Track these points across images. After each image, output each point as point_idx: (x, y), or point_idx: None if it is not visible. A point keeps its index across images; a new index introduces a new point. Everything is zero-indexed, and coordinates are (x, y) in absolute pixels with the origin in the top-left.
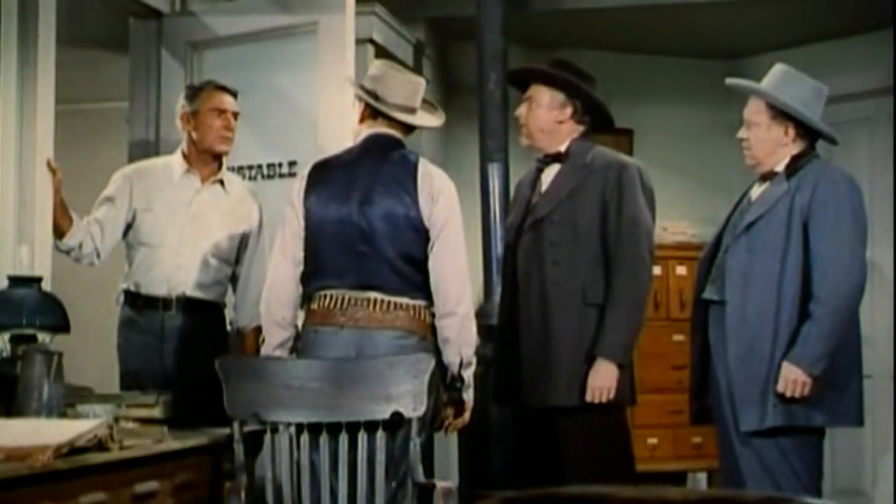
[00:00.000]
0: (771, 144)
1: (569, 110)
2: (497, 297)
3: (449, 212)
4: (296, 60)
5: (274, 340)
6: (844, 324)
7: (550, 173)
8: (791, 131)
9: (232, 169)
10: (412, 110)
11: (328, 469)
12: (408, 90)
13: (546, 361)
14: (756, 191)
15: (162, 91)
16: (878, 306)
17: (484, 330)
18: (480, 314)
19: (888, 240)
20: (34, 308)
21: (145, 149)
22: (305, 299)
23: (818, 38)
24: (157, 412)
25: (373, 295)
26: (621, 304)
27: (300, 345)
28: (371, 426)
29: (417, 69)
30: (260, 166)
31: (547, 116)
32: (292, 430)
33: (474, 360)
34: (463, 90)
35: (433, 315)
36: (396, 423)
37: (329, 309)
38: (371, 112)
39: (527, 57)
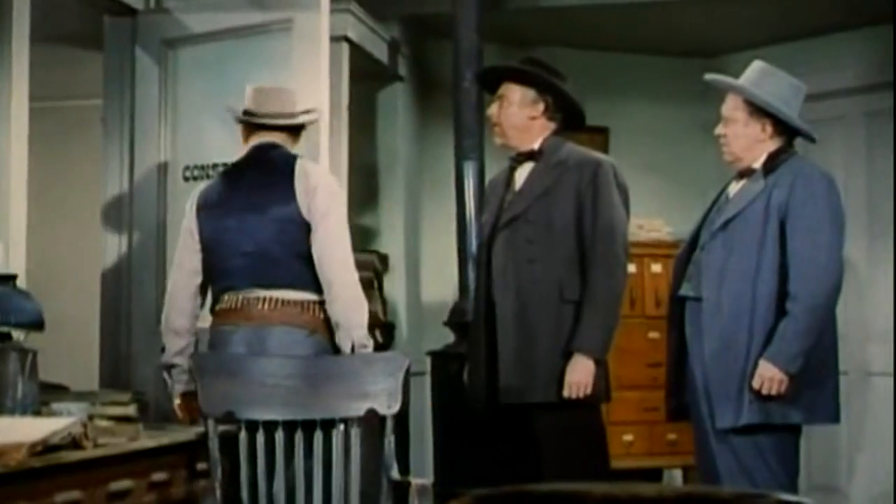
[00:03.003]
0: (748, 141)
1: (541, 106)
2: (473, 296)
3: (328, 202)
4: (270, 58)
5: (173, 348)
6: (821, 322)
7: (524, 172)
8: (769, 128)
9: (205, 167)
10: (292, 115)
11: (303, 466)
12: (281, 99)
13: (523, 359)
14: (734, 188)
15: (136, 88)
16: (850, 303)
17: (461, 328)
18: (456, 312)
19: (861, 237)
20: (9, 306)
21: (119, 146)
22: (213, 302)
23: (793, 37)
24: (131, 410)
25: (264, 294)
26: (597, 300)
27: (208, 344)
28: (346, 423)
29: (392, 67)
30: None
31: (519, 114)
32: (269, 427)
33: (368, 343)
34: (438, 88)
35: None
36: (371, 420)
37: (228, 310)
38: (250, 127)
39: (502, 55)
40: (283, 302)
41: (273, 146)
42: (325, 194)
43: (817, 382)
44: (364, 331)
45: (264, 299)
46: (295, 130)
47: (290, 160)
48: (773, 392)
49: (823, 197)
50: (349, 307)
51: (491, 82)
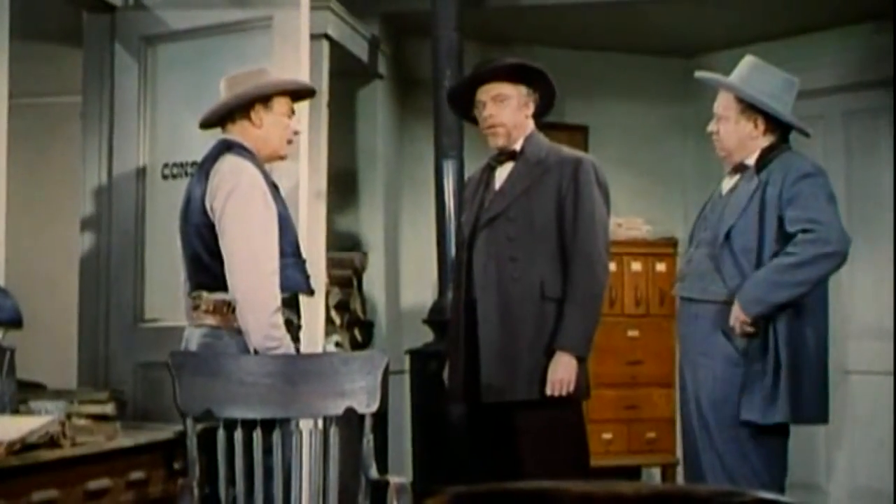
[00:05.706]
0: (740, 138)
1: (532, 104)
2: (452, 294)
3: (226, 199)
4: (250, 55)
5: None
6: (806, 284)
7: (504, 171)
8: (761, 124)
9: (184, 164)
10: (225, 104)
11: (281, 465)
12: (231, 89)
13: (505, 357)
14: (727, 183)
15: (115, 85)
16: (830, 302)
17: (440, 326)
18: (435, 310)
19: None
20: None
21: (98, 143)
22: None
23: (772, 37)
24: (109, 409)
25: (195, 294)
26: (579, 297)
27: None
28: (325, 422)
29: (372, 65)
30: None
31: (519, 113)
32: (247, 425)
33: (273, 344)
34: (418, 86)
35: None
36: (350, 419)
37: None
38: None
39: (482, 53)
40: (214, 303)
41: (222, 142)
42: (222, 193)
43: (802, 381)
44: (261, 335)
45: (201, 301)
46: (243, 116)
47: (219, 157)
48: (737, 330)
49: (819, 184)
50: (246, 311)
51: (464, 94)
